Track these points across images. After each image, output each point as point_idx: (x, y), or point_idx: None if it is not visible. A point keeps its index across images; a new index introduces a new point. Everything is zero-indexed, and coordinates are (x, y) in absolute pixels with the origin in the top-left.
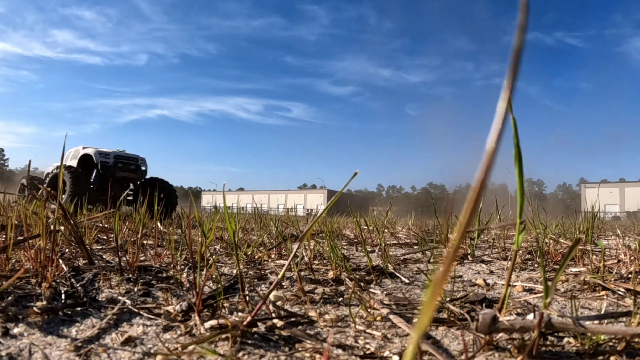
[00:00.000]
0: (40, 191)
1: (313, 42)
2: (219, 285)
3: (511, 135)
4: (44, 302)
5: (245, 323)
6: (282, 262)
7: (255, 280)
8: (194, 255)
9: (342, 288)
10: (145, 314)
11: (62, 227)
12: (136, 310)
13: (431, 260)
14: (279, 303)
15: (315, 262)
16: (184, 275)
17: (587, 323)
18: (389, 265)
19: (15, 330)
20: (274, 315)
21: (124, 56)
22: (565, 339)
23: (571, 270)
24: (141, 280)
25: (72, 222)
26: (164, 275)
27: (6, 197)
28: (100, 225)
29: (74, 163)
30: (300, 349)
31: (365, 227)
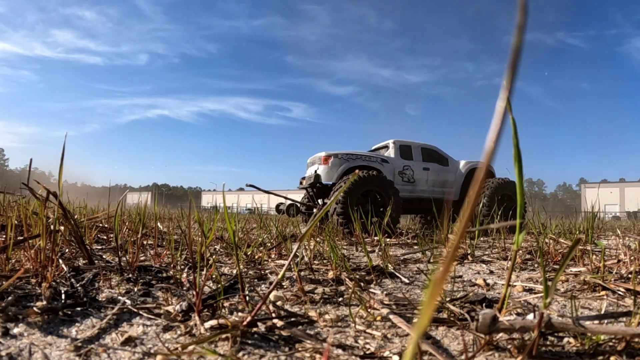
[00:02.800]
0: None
1: (314, 42)
2: (219, 285)
3: (511, 135)
4: (44, 302)
5: (245, 323)
6: (282, 262)
7: (255, 280)
8: (194, 255)
9: (342, 288)
10: (145, 314)
11: (62, 227)
12: (136, 310)
13: (431, 260)
14: (279, 303)
15: (315, 262)
16: (184, 275)
17: (587, 323)
18: (389, 265)
19: (15, 330)
20: (274, 315)
21: (124, 56)
22: (565, 339)
23: (571, 270)
24: (141, 280)
25: (72, 222)
26: (164, 275)
27: (6, 197)
28: (100, 225)
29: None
30: (300, 349)
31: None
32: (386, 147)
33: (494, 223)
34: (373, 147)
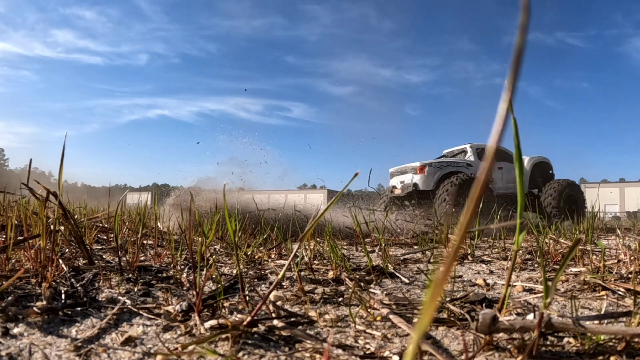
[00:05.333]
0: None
1: (314, 42)
2: (219, 285)
3: (512, 135)
4: (44, 302)
5: (245, 323)
6: (282, 262)
7: (255, 280)
8: (194, 255)
9: (342, 288)
10: (145, 314)
11: (62, 227)
12: (136, 310)
13: (431, 260)
14: (279, 303)
15: (315, 262)
16: (184, 275)
17: (587, 323)
18: (389, 265)
19: (15, 330)
20: (274, 315)
21: (125, 56)
22: (565, 339)
23: (571, 270)
24: (141, 280)
25: (72, 222)
26: (164, 275)
27: (6, 197)
28: (100, 225)
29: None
30: (300, 349)
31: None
32: (464, 151)
33: (494, 223)
34: (446, 151)
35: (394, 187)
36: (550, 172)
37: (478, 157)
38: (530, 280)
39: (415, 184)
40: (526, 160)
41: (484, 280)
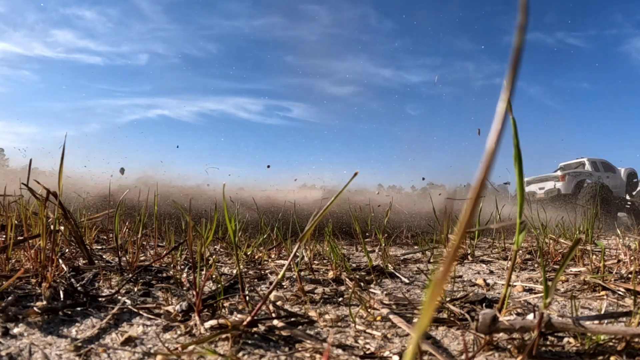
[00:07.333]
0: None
1: (314, 42)
2: (219, 285)
3: (511, 135)
4: (44, 302)
5: (245, 323)
6: (282, 262)
7: (255, 280)
8: (194, 255)
9: (342, 288)
10: (145, 314)
11: (62, 227)
12: (136, 310)
13: (431, 260)
14: (279, 303)
15: (315, 262)
16: (184, 275)
17: (587, 323)
18: (389, 265)
19: (15, 330)
20: (274, 315)
21: (125, 56)
22: (565, 339)
23: (571, 270)
24: (141, 280)
25: (72, 222)
26: (164, 275)
27: (6, 197)
28: (100, 225)
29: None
30: (300, 349)
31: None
32: (582, 164)
33: (494, 223)
34: (563, 164)
35: (534, 192)
36: (635, 180)
37: (593, 168)
38: (530, 280)
39: (558, 189)
40: (622, 170)
41: (484, 280)
